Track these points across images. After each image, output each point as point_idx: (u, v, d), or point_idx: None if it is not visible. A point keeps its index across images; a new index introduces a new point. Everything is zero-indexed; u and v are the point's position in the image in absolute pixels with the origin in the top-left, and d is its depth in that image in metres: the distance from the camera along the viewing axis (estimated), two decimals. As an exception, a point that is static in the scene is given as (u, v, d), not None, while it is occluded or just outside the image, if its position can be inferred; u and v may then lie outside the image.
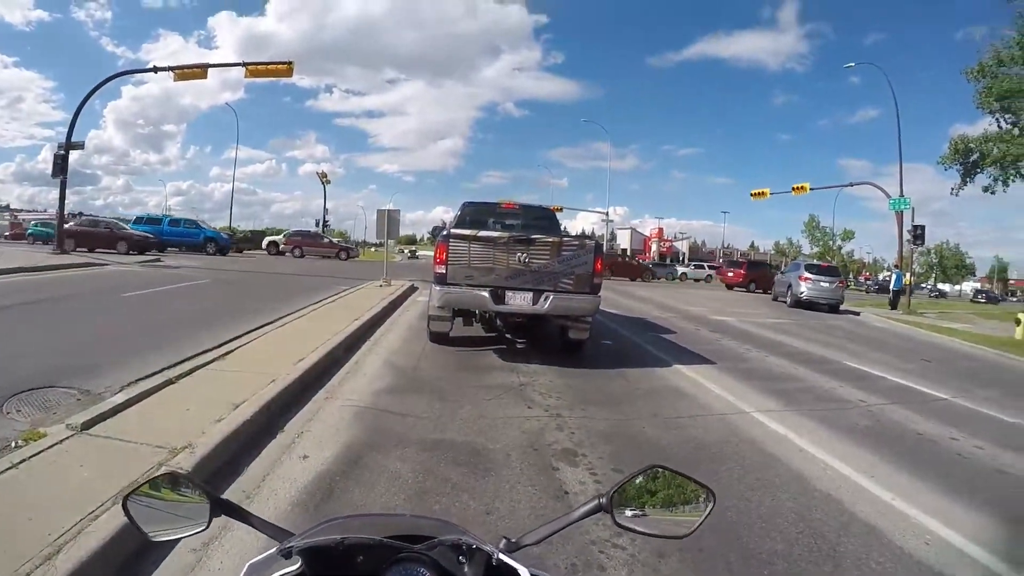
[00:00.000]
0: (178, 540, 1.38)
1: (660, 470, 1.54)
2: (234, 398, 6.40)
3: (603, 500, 1.48)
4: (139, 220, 45.65)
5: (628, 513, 1.50)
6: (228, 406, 6.13)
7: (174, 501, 1.45)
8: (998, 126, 31.00)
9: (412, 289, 21.07)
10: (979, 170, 32.13)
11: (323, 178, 74.03)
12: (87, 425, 5.33)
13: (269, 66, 30.93)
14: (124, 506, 1.41)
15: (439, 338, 11.34)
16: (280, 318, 12.61)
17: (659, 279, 56.76)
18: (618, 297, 26.08)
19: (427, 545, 1.25)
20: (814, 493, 5.78)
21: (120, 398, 6.17)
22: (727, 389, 9.76)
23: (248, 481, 4.93)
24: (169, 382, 7.00)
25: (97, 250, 33.37)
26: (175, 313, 14.01)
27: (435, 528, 1.37)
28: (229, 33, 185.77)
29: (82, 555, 3.32)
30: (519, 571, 1.24)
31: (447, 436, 6.43)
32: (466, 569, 1.27)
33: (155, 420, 5.72)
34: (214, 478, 4.86)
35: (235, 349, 9.16)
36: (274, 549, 1.28)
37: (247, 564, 1.31)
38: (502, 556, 1.26)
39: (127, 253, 33.84)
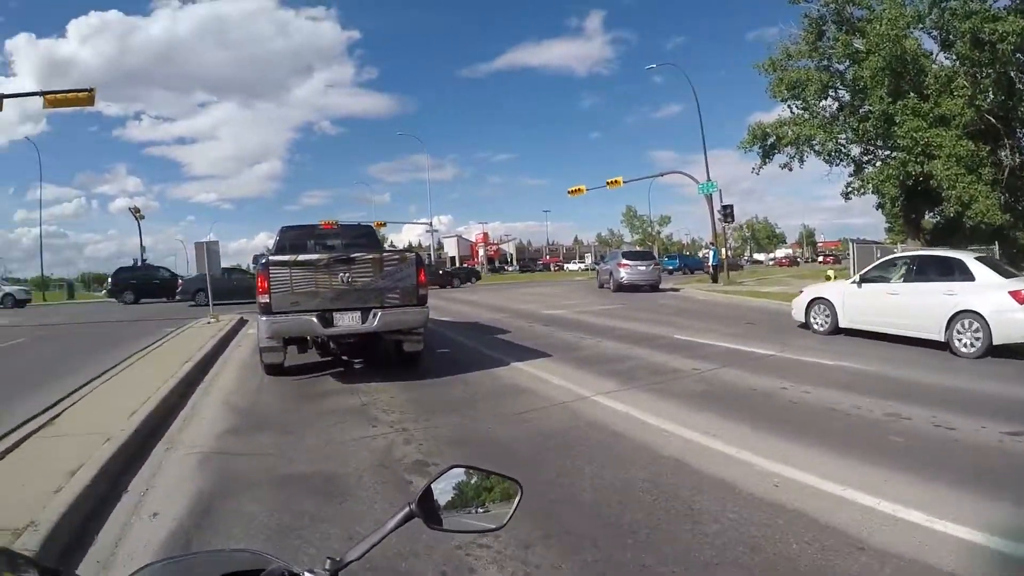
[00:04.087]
0: None
1: (461, 469, 1.63)
2: (70, 465, 6.12)
3: (413, 506, 1.52)
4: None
5: (440, 514, 1.56)
6: (65, 474, 5.86)
7: None
8: (790, 111, 36.10)
9: (242, 323, 20.51)
10: (776, 151, 36.68)
11: (136, 213, 70.03)
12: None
13: (69, 94, 28.97)
14: None
15: (274, 370, 11.13)
16: (107, 370, 12.07)
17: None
18: (448, 304, 26.28)
19: None
20: (663, 461, 6.17)
21: (-54, 484, 5.86)
22: (566, 378, 10.15)
23: (101, 550, 4.76)
24: (-3, 458, 6.69)
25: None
26: (-11, 382, 13.17)
27: (250, 561, 1.40)
28: (27, 57, 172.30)
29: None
30: None
31: (296, 468, 6.41)
32: None
33: (-12, 502, 5.48)
34: (66, 553, 4.68)
35: (63, 411, 8.73)
36: None
37: None
38: None
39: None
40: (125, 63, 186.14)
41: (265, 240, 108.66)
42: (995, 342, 11.43)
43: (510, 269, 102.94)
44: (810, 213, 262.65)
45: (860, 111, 34.49)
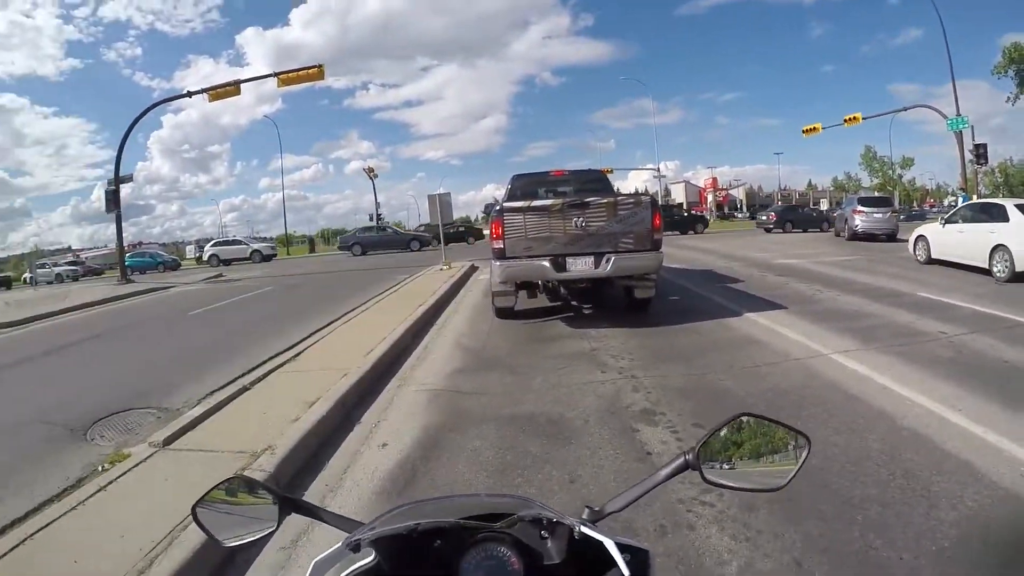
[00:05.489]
0: (251, 543, 1.29)
1: (747, 418, 1.43)
2: (308, 397, 6.46)
3: (689, 457, 1.37)
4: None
5: (716, 468, 1.39)
6: (303, 405, 6.19)
7: (243, 504, 1.41)
8: None
9: (473, 269, 21.16)
10: None
11: (370, 173, 73.80)
12: (168, 441, 5.43)
13: (300, 72, 31.01)
14: (194, 514, 1.36)
15: (505, 313, 11.29)
16: (346, 313, 12.77)
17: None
18: (678, 251, 25.82)
19: (506, 523, 1.19)
20: (902, 432, 5.58)
21: (198, 411, 6.27)
22: (801, 333, 9.54)
23: (330, 475, 4.97)
24: (244, 389, 7.12)
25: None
26: (243, 323, 14.22)
27: (512, 505, 1.29)
28: (257, 48, 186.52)
29: (174, 566, 3.37)
30: (604, 542, 1.14)
31: (523, 409, 6.41)
32: (549, 544, 1.20)
33: (233, 427, 5.84)
34: (297, 476, 4.93)
35: (305, 349, 9.27)
36: (340, 543, 1.21)
37: (312, 562, 1.22)
38: (584, 528, 1.17)
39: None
40: (348, 39, 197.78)
41: (492, 191, 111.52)
42: (1018, 269, 14.64)
43: (740, 216, 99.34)
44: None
45: None
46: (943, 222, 18.90)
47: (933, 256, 18.69)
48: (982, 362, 8.02)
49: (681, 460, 1.38)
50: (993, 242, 15.59)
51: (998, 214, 16.17)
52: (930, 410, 6.11)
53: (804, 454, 1.40)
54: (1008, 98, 32.52)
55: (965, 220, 17.74)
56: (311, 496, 4.50)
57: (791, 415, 5.96)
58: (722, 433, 1.40)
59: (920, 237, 19.73)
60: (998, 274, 15.21)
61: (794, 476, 1.39)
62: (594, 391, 6.95)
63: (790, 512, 4.10)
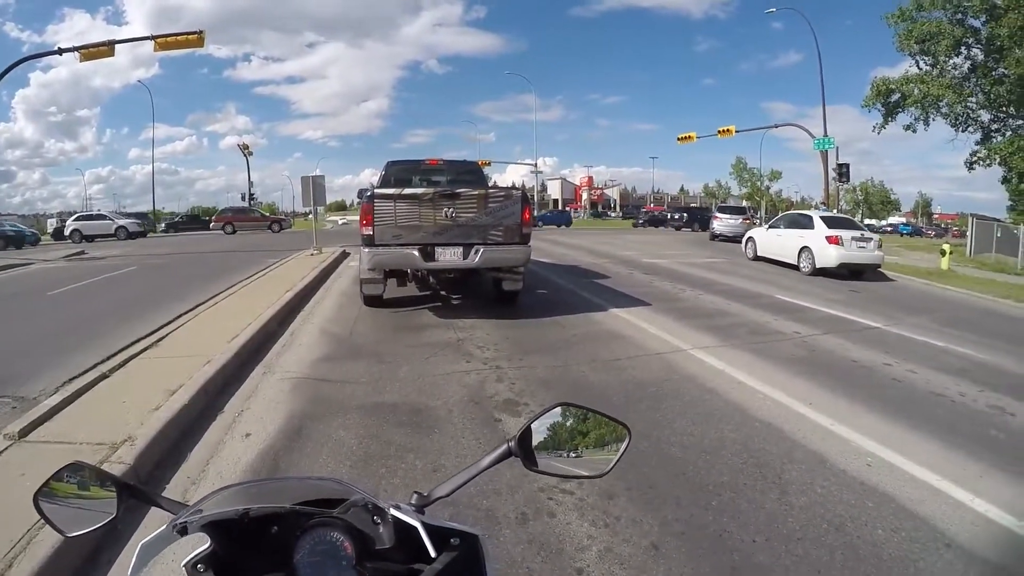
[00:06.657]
0: (93, 531, 1.26)
1: (568, 408, 1.49)
2: (170, 384, 6.35)
3: (512, 444, 1.42)
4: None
5: (540, 455, 1.44)
6: (165, 393, 6.09)
7: (82, 493, 1.39)
8: (917, 67, 33.43)
9: (344, 255, 20.97)
10: (900, 110, 33.77)
11: (245, 150, 71.36)
12: (24, 432, 5.23)
13: (179, 37, 29.57)
14: (36, 505, 1.33)
15: (373, 301, 11.27)
16: (211, 297, 12.48)
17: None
18: (549, 246, 26.22)
19: (341, 508, 1.22)
20: (755, 424, 5.96)
21: (55, 400, 6.05)
22: (664, 329, 9.97)
23: (192, 467, 4.91)
24: (103, 376, 6.91)
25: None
26: (105, 305, 13.61)
27: (338, 490, 1.32)
28: (138, 7, 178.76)
29: (34, 565, 3.29)
30: (416, 527, 1.18)
31: (387, 398, 6.48)
32: (381, 529, 1.23)
33: (93, 417, 5.67)
34: (158, 468, 4.85)
35: (168, 335, 9.04)
36: (166, 525, 1.20)
37: (140, 544, 1.20)
38: (395, 512, 1.21)
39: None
40: (235, 5, 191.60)
41: (370, 176, 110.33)
42: (817, 266, 19.24)
43: (612, 215, 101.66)
44: (928, 182, 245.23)
45: (994, 73, 31.59)
46: (768, 227, 23.90)
47: (759, 254, 23.41)
48: (832, 360, 8.61)
49: (504, 448, 1.43)
50: (801, 244, 20.24)
51: (806, 222, 20.84)
52: (783, 404, 6.55)
53: (624, 444, 1.49)
54: (875, 127, 34.85)
55: (783, 226, 22.50)
56: (173, 488, 4.49)
57: (650, 407, 6.34)
58: (545, 421, 1.46)
59: (749, 239, 24.63)
60: (803, 269, 19.90)
61: (615, 464, 1.48)
62: (459, 381, 7.10)
63: (648, 499, 4.35)
